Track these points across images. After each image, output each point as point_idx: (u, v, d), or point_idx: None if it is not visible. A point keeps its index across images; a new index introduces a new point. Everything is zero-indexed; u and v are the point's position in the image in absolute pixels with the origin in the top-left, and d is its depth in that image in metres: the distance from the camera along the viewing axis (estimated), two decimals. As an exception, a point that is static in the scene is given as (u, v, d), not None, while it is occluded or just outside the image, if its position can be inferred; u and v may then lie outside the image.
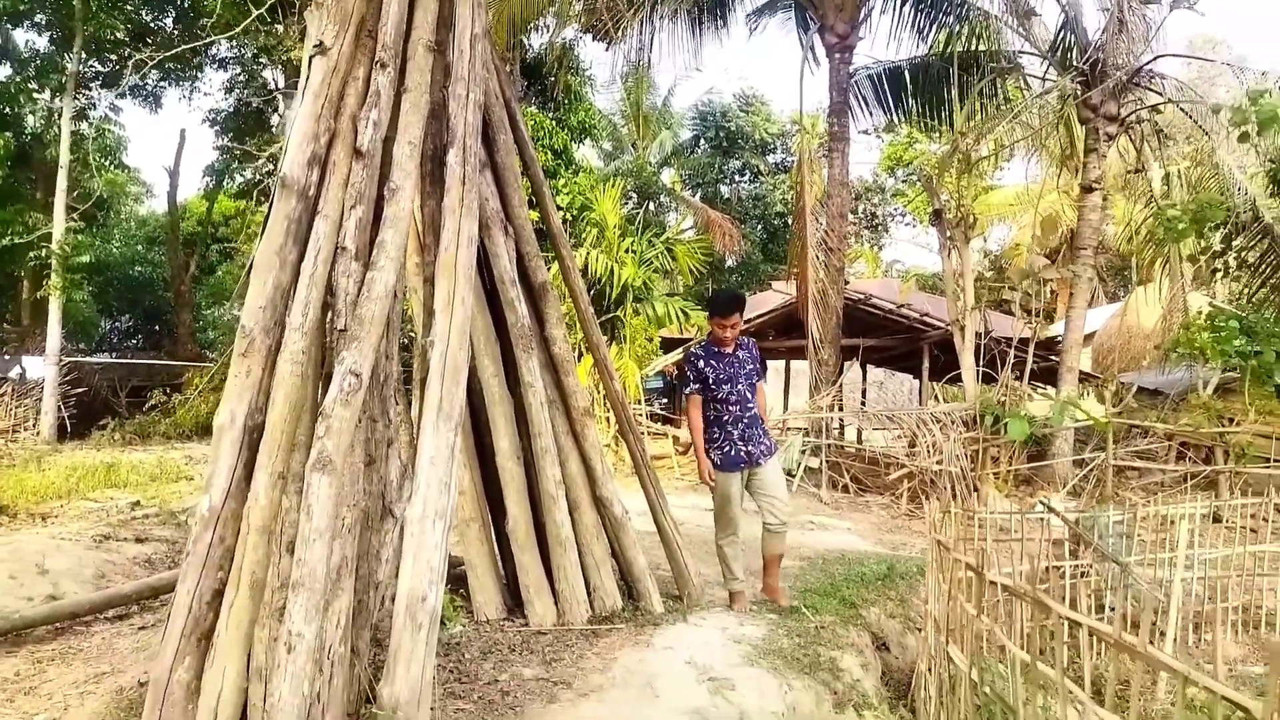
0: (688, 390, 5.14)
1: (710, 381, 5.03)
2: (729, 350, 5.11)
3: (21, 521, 7.47)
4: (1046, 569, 6.36)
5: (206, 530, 3.03)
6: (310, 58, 3.41)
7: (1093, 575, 6.47)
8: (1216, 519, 8.05)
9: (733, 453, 5.03)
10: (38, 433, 15.74)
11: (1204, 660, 6.10)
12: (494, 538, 4.72)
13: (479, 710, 3.34)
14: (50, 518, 7.71)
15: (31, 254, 15.54)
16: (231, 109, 19.06)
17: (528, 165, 4.81)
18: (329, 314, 3.27)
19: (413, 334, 7.40)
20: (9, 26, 17.52)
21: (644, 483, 5.42)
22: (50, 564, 5.49)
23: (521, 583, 4.51)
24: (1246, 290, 12.37)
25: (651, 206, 31.83)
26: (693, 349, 5.37)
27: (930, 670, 3.99)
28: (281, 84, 18.82)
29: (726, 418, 5.05)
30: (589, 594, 4.65)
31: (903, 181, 35.20)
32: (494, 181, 4.28)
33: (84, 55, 16.56)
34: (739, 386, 5.06)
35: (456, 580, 4.71)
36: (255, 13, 6.55)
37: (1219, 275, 12.54)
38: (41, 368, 16.36)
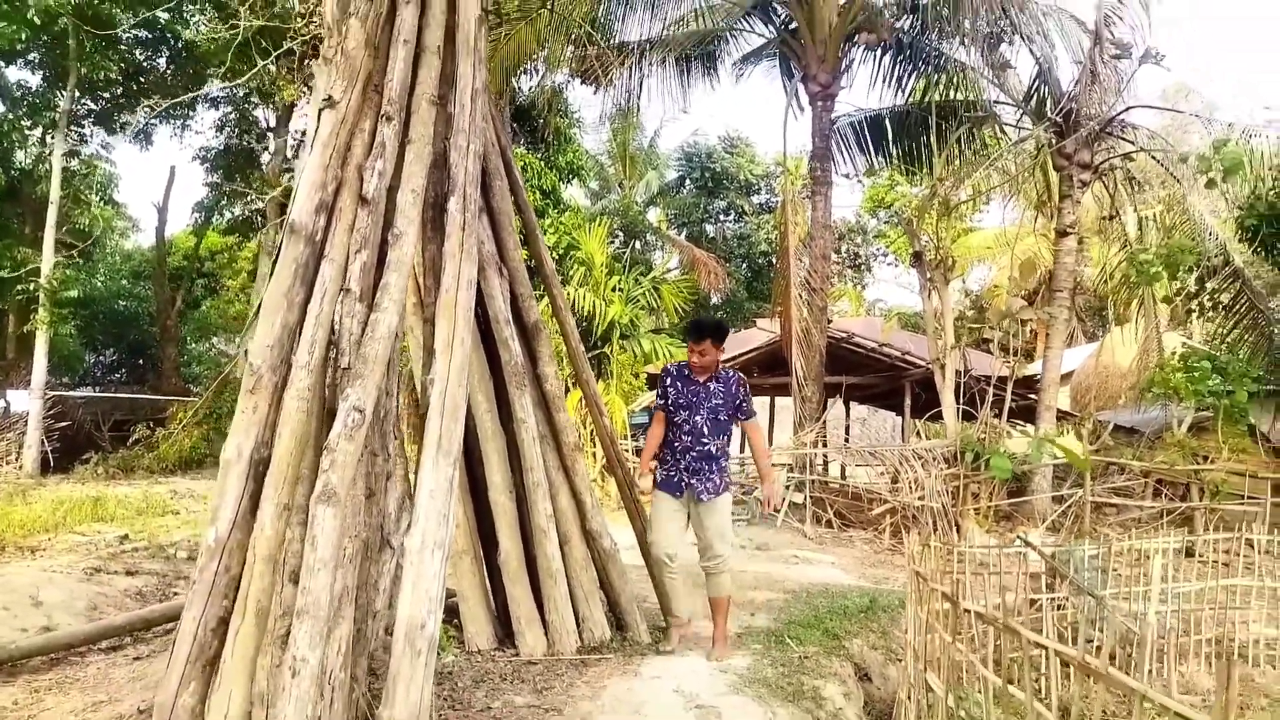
0: (654, 405, 4.96)
1: (669, 402, 4.84)
2: (700, 379, 4.84)
3: (10, 554, 7.48)
4: (1024, 602, 6.53)
5: (213, 560, 3.15)
6: (320, 110, 3.60)
7: (1069, 608, 6.64)
8: (1190, 554, 8.22)
9: (674, 478, 4.83)
10: (20, 466, 15.69)
11: (1178, 688, 6.26)
12: (485, 570, 4.84)
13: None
14: (39, 551, 7.73)
15: (19, 288, 15.57)
16: (222, 147, 19.27)
17: (521, 209, 5.00)
18: (333, 352, 3.41)
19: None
20: (1, 64, 17.73)
21: (631, 516, 5.57)
22: (43, 596, 5.56)
23: (513, 614, 4.62)
24: (1220, 331, 12.68)
25: (638, 245, 32.17)
26: (669, 365, 5.13)
27: (909, 698, 4.12)
28: (272, 123, 19.08)
29: (676, 444, 4.83)
30: (578, 625, 4.77)
31: (885, 223, 35.75)
32: (490, 225, 4.47)
33: (77, 93, 16.74)
34: (696, 418, 4.79)
35: (449, 611, 4.80)
36: (260, 64, 6.72)
37: (1194, 316, 12.84)
38: (25, 401, 16.34)
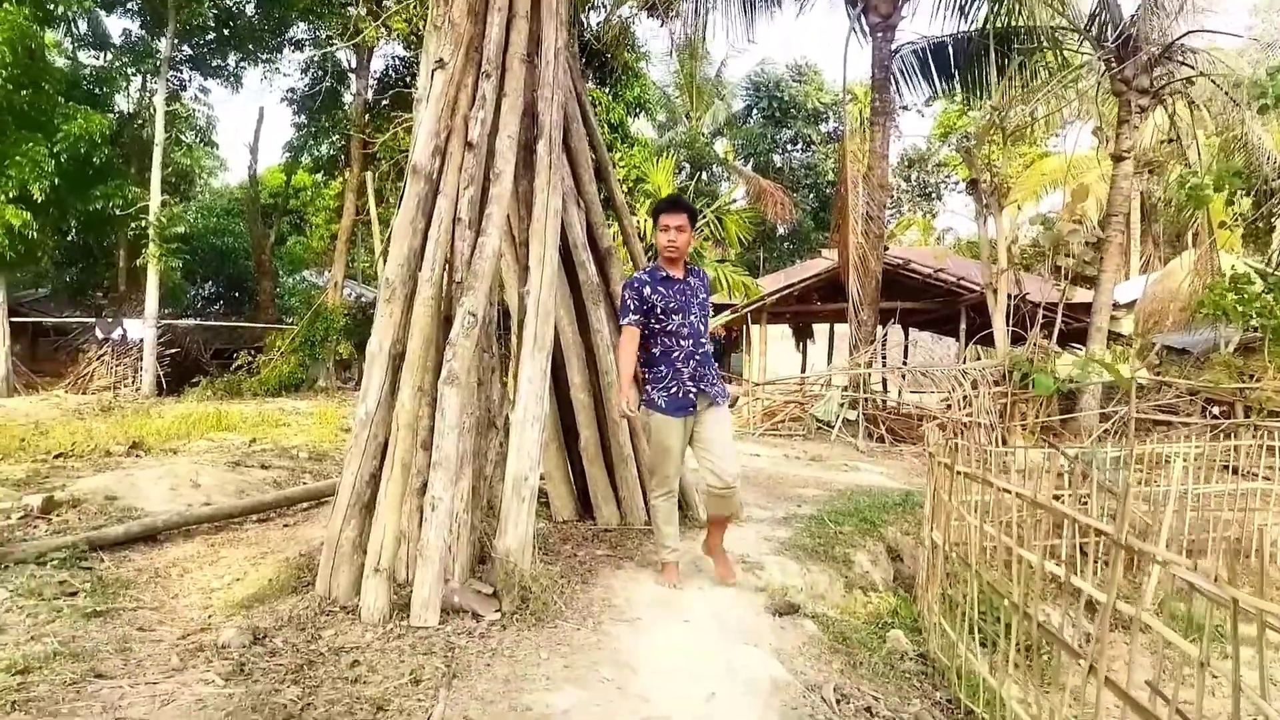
0: (625, 320, 4.31)
1: (658, 310, 4.27)
2: (678, 275, 4.37)
3: (155, 455, 8.70)
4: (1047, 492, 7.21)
5: (364, 429, 4.07)
6: (432, 71, 4.39)
7: (1092, 505, 7.29)
8: (1233, 470, 8.70)
9: (680, 394, 4.29)
10: (138, 388, 17.28)
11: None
12: (568, 456, 5.74)
13: (564, 570, 4.38)
14: (178, 452, 8.95)
15: (133, 225, 16.90)
16: (307, 88, 20.25)
17: (595, 149, 5.75)
18: (449, 269, 4.27)
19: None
20: (102, 13, 18.91)
21: None
22: (201, 480, 6.67)
23: (591, 491, 5.53)
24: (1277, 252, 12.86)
25: (704, 176, 32.58)
26: (634, 275, 4.53)
27: (921, 557, 4.92)
28: (353, 64, 19.97)
29: (677, 353, 4.29)
30: (647, 508, 5.65)
31: (953, 150, 35.35)
32: (569, 164, 5.25)
33: (175, 40, 17.85)
34: (691, 317, 4.34)
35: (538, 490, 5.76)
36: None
37: (1251, 238, 13.01)
38: (140, 330, 17.87)
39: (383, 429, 4.06)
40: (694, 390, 4.30)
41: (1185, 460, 7.67)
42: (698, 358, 4.34)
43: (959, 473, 4.06)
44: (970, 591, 3.83)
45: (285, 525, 5.82)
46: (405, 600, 3.74)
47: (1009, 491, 3.60)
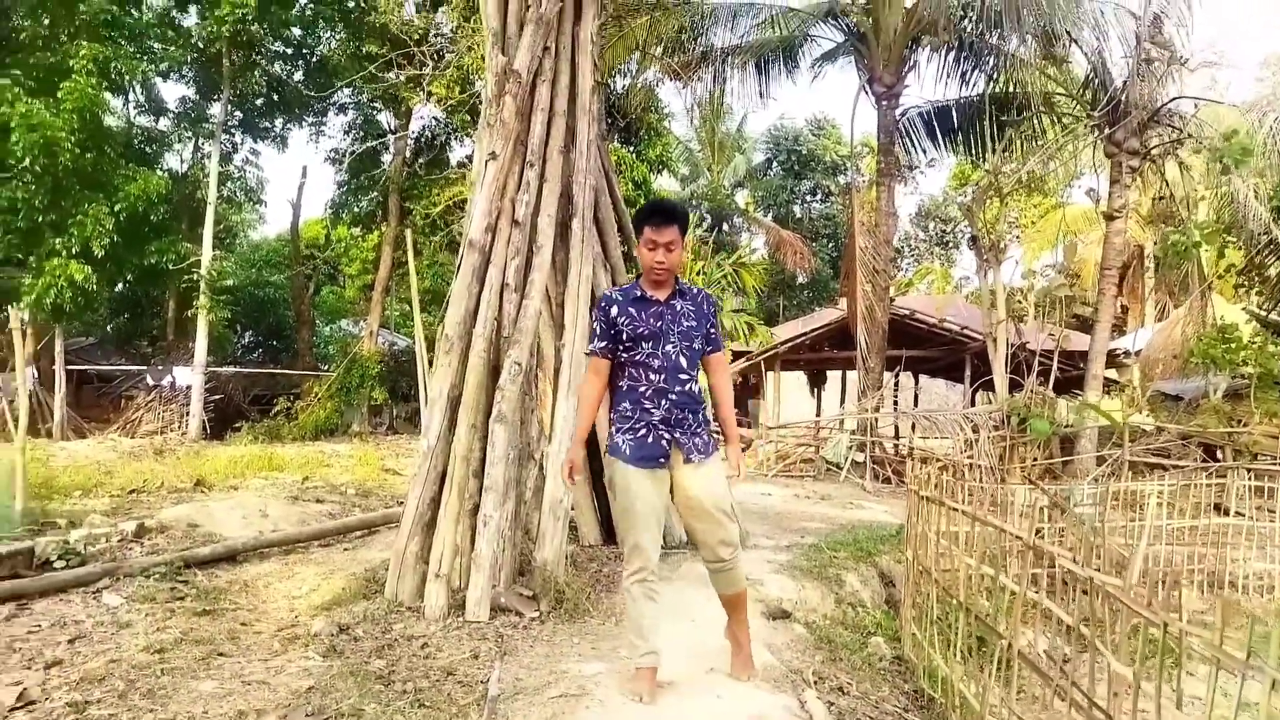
0: (588, 349, 3.65)
1: (624, 336, 3.49)
2: (660, 296, 3.54)
3: (219, 491, 9.56)
4: (1028, 527, 7.86)
5: (426, 460, 4.89)
6: (485, 161, 5.28)
7: (1070, 538, 7.94)
8: (1224, 510, 9.30)
9: (649, 439, 3.46)
10: (184, 433, 18.24)
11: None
12: (594, 487, 6.51)
13: (590, 581, 5.15)
14: (238, 489, 9.80)
15: (184, 278, 18.01)
16: (349, 149, 21.48)
17: (619, 217, 6.62)
18: (498, 327, 5.11)
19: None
20: (158, 80, 20.31)
21: None
22: (268, 511, 7.51)
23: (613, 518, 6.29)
24: (1269, 304, 13.51)
25: (725, 227, 33.61)
26: (605, 293, 3.87)
27: (901, 574, 5.63)
28: (393, 126, 21.19)
29: (644, 388, 3.48)
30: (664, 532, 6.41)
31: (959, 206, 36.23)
32: (598, 234, 6.10)
33: (229, 106, 19.14)
34: (667, 347, 3.48)
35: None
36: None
37: (1243, 290, 13.69)
38: (187, 376, 18.91)
39: (441, 460, 4.87)
40: (666, 437, 3.46)
41: (1160, 498, 8.34)
42: (673, 397, 3.46)
43: (924, 498, 4.81)
44: (931, 597, 4.57)
45: (345, 549, 6.62)
46: (460, 601, 4.52)
47: (961, 512, 4.34)
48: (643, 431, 3.47)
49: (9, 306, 19.93)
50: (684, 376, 3.52)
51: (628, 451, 3.47)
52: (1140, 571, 7.47)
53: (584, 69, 5.77)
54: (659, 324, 3.51)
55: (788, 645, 4.48)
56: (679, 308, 3.56)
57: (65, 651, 4.04)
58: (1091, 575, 3.03)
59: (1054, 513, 7.90)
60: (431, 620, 4.38)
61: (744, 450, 14.33)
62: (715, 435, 3.68)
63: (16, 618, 4.56)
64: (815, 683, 3.98)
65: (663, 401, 3.48)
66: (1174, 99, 12.57)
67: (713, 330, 3.70)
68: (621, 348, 3.54)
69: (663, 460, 3.48)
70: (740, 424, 18.67)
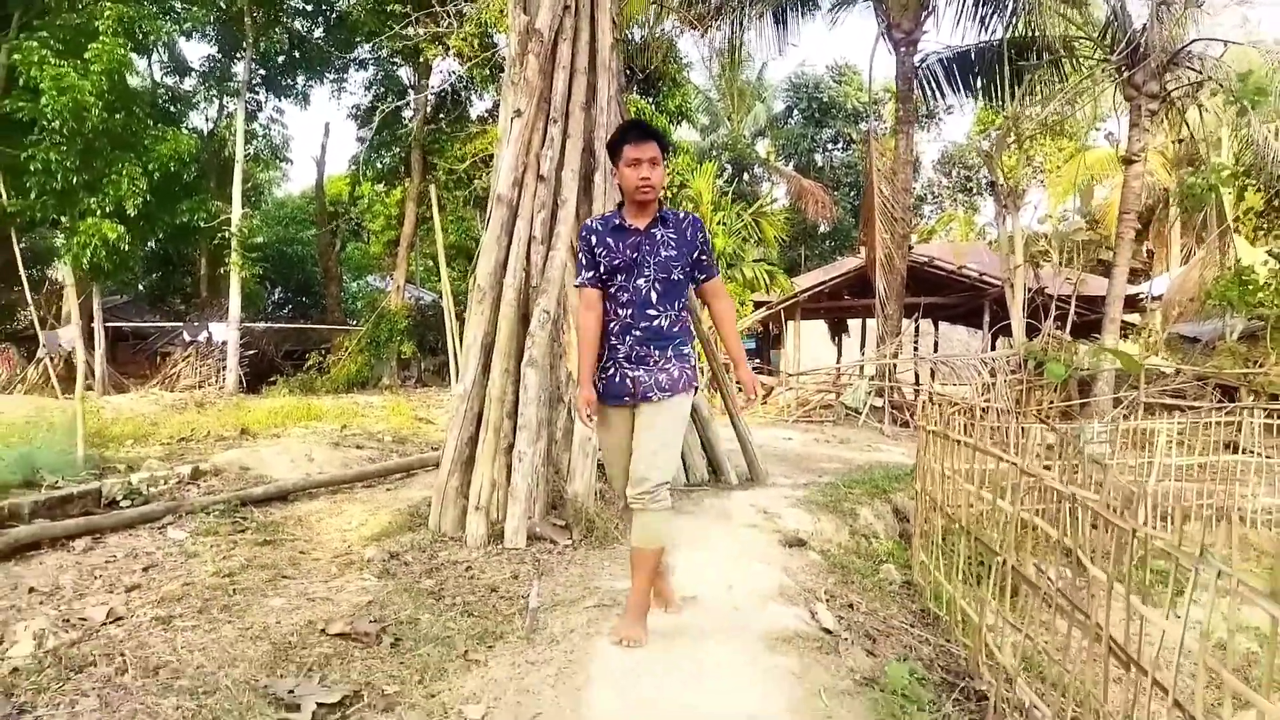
0: (576, 281, 3.54)
1: (601, 270, 3.38)
2: (639, 224, 3.35)
3: (263, 439, 10.01)
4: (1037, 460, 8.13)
5: (463, 403, 5.23)
6: (511, 119, 5.54)
7: (1080, 475, 8.21)
8: (1239, 450, 9.51)
9: (616, 377, 3.39)
10: (221, 387, 18.79)
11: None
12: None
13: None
14: (280, 437, 10.25)
15: (217, 237, 18.41)
16: (370, 104, 21.68)
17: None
18: (527, 277, 5.41)
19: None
20: (182, 40, 20.57)
21: (731, 413, 7.52)
22: (314, 455, 7.93)
23: (640, 458, 6.64)
24: (1287, 245, 13.55)
25: (746, 177, 33.58)
26: (587, 221, 3.65)
27: (913, 506, 5.95)
28: (414, 81, 21.35)
29: (613, 322, 3.39)
30: (686, 469, 6.76)
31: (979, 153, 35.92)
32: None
33: (252, 65, 19.37)
34: (639, 280, 3.33)
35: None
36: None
37: (1264, 233, 13.72)
38: (223, 332, 19.43)
39: (477, 402, 5.22)
40: (630, 375, 3.34)
41: (1169, 436, 8.58)
42: (637, 333, 3.34)
43: (930, 432, 5.10)
44: (937, 525, 4.88)
45: (388, 489, 7.02)
46: (498, 531, 4.90)
47: (963, 443, 4.63)
48: (610, 369, 3.40)
49: (51, 265, 20.54)
50: (652, 311, 3.35)
51: (600, 389, 3.43)
52: (1150, 505, 7.76)
53: (603, 26, 5.98)
54: (634, 255, 3.33)
55: (802, 569, 4.82)
56: (659, 236, 3.35)
57: (141, 578, 4.44)
58: (1074, 491, 3.32)
59: (1065, 450, 8.16)
60: (473, 548, 4.76)
61: (765, 397, 14.67)
62: (689, 371, 3.43)
63: (93, 550, 4.98)
64: (827, 600, 4.32)
65: (626, 338, 3.35)
66: (1192, 41, 12.52)
67: (703, 257, 3.47)
68: (602, 278, 3.40)
69: (627, 399, 3.37)
70: (761, 371, 19.04)
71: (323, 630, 3.45)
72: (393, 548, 4.85)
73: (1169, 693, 2.46)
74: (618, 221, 3.38)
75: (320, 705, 2.75)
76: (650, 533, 3.37)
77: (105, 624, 3.74)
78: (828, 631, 3.69)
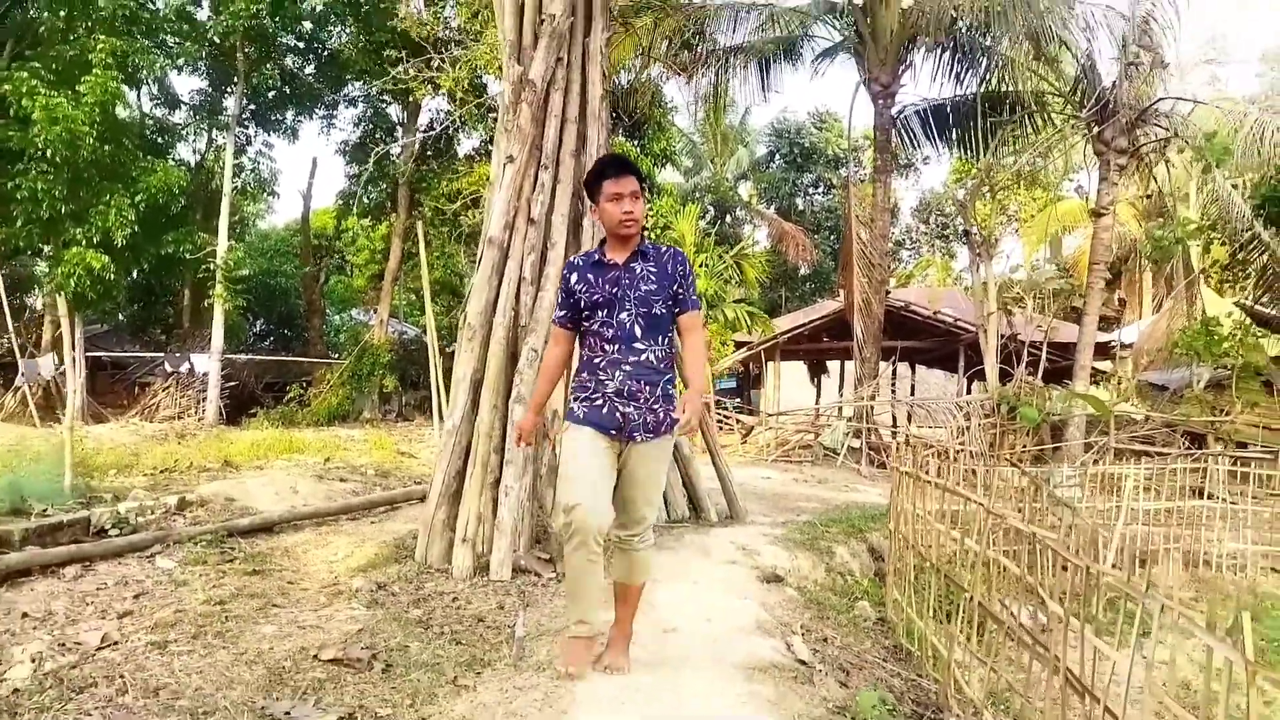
0: (554, 319, 3.58)
1: (581, 305, 3.39)
2: (618, 259, 3.38)
3: (245, 472, 10.06)
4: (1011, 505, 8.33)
5: (451, 437, 5.38)
6: (503, 164, 5.75)
7: (1049, 517, 8.42)
8: (1203, 495, 9.75)
9: (604, 409, 3.32)
10: (201, 418, 18.75)
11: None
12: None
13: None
14: (264, 469, 10.30)
15: (202, 268, 18.49)
16: (358, 140, 21.95)
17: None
18: (516, 316, 5.59)
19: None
20: (174, 73, 20.80)
21: (710, 449, 7.70)
22: (298, 488, 8.01)
23: (622, 495, 6.79)
24: (1254, 297, 13.96)
25: (729, 219, 34.06)
26: (570, 259, 3.80)
27: (887, 545, 6.12)
28: (402, 118, 21.65)
29: (599, 359, 3.36)
30: (667, 506, 6.90)
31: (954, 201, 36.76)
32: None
33: (244, 99, 19.61)
34: (622, 315, 3.33)
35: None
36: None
37: (1229, 285, 14.14)
38: (204, 363, 19.44)
39: (465, 436, 5.37)
40: (621, 410, 3.30)
41: (1137, 481, 8.81)
42: (627, 368, 3.31)
43: (903, 473, 5.30)
44: (909, 563, 5.06)
45: (372, 522, 7.11)
46: (484, 564, 5.02)
47: (933, 484, 4.82)
48: (599, 401, 3.33)
49: (30, 293, 20.50)
50: (639, 346, 3.33)
51: (582, 416, 3.36)
52: (1117, 549, 7.96)
53: (594, 78, 6.24)
54: (614, 290, 3.34)
55: (779, 604, 4.97)
56: (638, 270, 3.36)
57: (133, 605, 4.53)
58: (1034, 530, 3.51)
59: (1035, 493, 8.37)
60: (459, 579, 4.88)
61: (745, 437, 14.85)
62: (673, 411, 3.36)
63: (83, 577, 5.06)
64: (803, 634, 4.47)
65: (616, 373, 3.31)
66: (1159, 99, 12.99)
67: (681, 290, 3.42)
68: (582, 316, 3.43)
69: (613, 433, 3.32)
70: (742, 410, 19.25)
71: (315, 656, 3.56)
72: (380, 578, 4.96)
73: (1119, 718, 2.63)
74: (598, 257, 3.44)
75: (317, 726, 2.87)
76: (640, 569, 3.53)
77: (100, 648, 3.83)
78: (803, 663, 3.84)
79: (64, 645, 3.88)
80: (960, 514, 5.07)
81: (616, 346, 3.33)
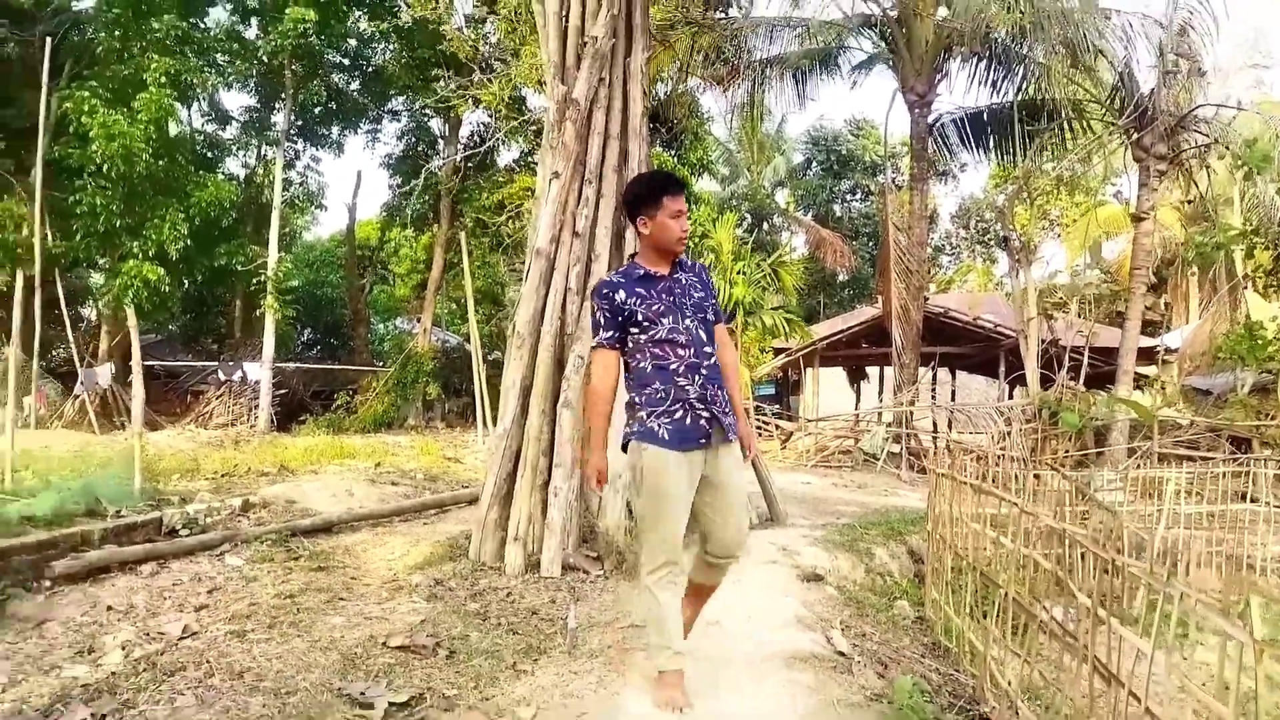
0: (594, 342, 3.36)
1: (639, 317, 3.25)
2: (663, 271, 3.33)
3: (300, 476, 10.42)
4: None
5: (501, 441, 5.63)
6: (549, 180, 6.01)
7: (1091, 521, 8.48)
8: (1254, 500, 9.70)
9: (687, 420, 3.18)
10: (252, 425, 19.28)
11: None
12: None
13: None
14: (318, 473, 10.66)
15: (254, 280, 19.04)
16: (401, 154, 22.45)
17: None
18: (562, 325, 5.83)
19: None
20: (225, 89, 21.45)
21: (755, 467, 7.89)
22: (353, 491, 8.33)
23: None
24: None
25: (766, 226, 34.19)
26: (605, 276, 3.70)
27: (926, 545, 6.26)
28: (444, 132, 22.12)
29: (675, 364, 3.22)
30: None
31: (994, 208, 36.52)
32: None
33: (293, 116, 20.19)
34: (686, 320, 3.27)
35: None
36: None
37: (1273, 290, 14.03)
38: (256, 372, 19.99)
39: (515, 441, 5.62)
40: (705, 415, 3.20)
41: (1178, 484, 8.83)
42: (704, 372, 3.23)
43: (939, 474, 5.45)
44: (947, 563, 5.20)
45: (425, 523, 7.39)
46: (535, 561, 5.26)
47: (969, 485, 4.97)
48: (679, 412, 3.16)
49: (85, 304, 21.19)
50: (709, 350, 3.29)
51: (665, 436, 3.14)
52: (1159, 551, 7.98)
53: (635, 96, 6.47)
54: (671, 299, 3.27)
55: (819, 602, 5.14)
56: (684, 281, 3.35)
57: (208, 598, 4.83)
58: (1065, 527, 3.66)
59: (1076, 496, 8.44)
60: (512, 576, 5.12)
61: (784, 442, 14.99)
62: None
63: (159, 574, 5.38)
64: (842, 629, 4.64)
65: (696, 377, 3.20)
66: (1198, 106, 12.95)
67: (715, 302, 3.47)
68: (637, 329, 3.26)
69: (704, 441, 3.19)
70: (781, 417, 19.36)
71: (384, 643, 3.82)
72: (437, 575, 5.22)
73: (1142, 701, 2.78)
74: (641, 272, 3.33)
75: (391, 705, 3.12)
76: (723, 575, 3.53)
77: (183, 638, 4.12)
78: (841, 655, 4.02)
79: (149, 635, 4.17)
80: (996, 515, 5.21)
81: (692, 351, 3.22)
